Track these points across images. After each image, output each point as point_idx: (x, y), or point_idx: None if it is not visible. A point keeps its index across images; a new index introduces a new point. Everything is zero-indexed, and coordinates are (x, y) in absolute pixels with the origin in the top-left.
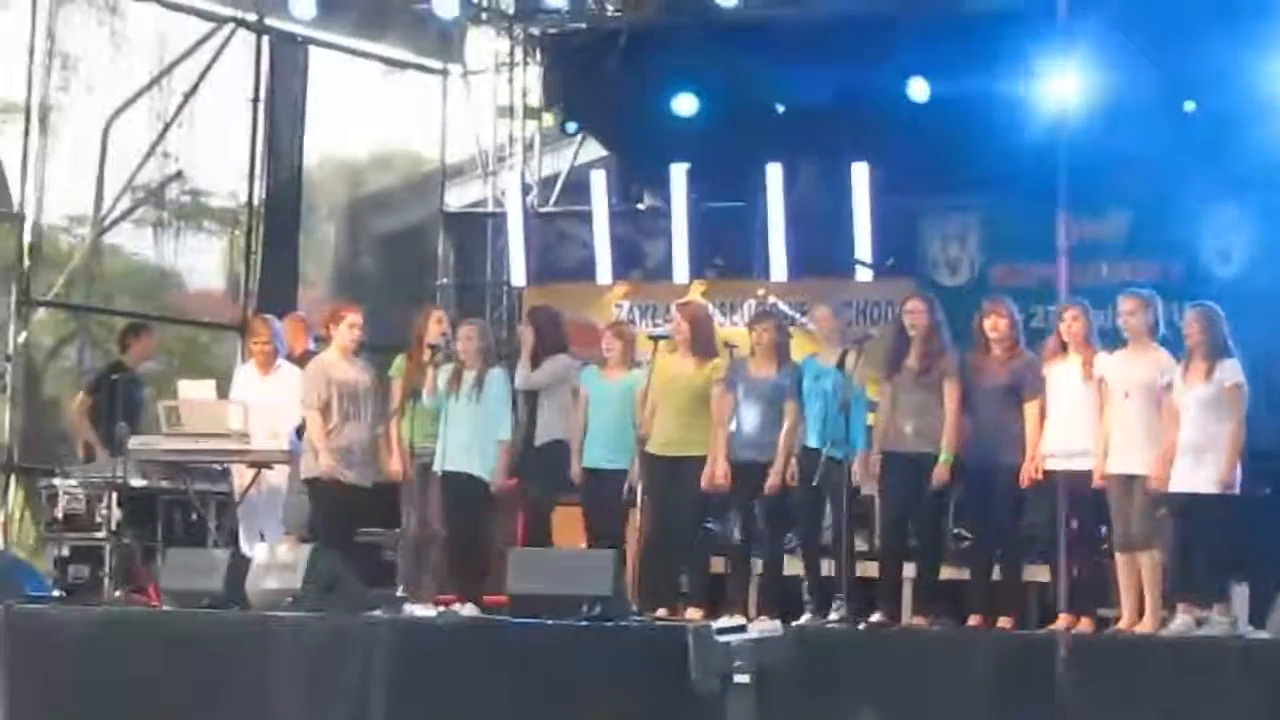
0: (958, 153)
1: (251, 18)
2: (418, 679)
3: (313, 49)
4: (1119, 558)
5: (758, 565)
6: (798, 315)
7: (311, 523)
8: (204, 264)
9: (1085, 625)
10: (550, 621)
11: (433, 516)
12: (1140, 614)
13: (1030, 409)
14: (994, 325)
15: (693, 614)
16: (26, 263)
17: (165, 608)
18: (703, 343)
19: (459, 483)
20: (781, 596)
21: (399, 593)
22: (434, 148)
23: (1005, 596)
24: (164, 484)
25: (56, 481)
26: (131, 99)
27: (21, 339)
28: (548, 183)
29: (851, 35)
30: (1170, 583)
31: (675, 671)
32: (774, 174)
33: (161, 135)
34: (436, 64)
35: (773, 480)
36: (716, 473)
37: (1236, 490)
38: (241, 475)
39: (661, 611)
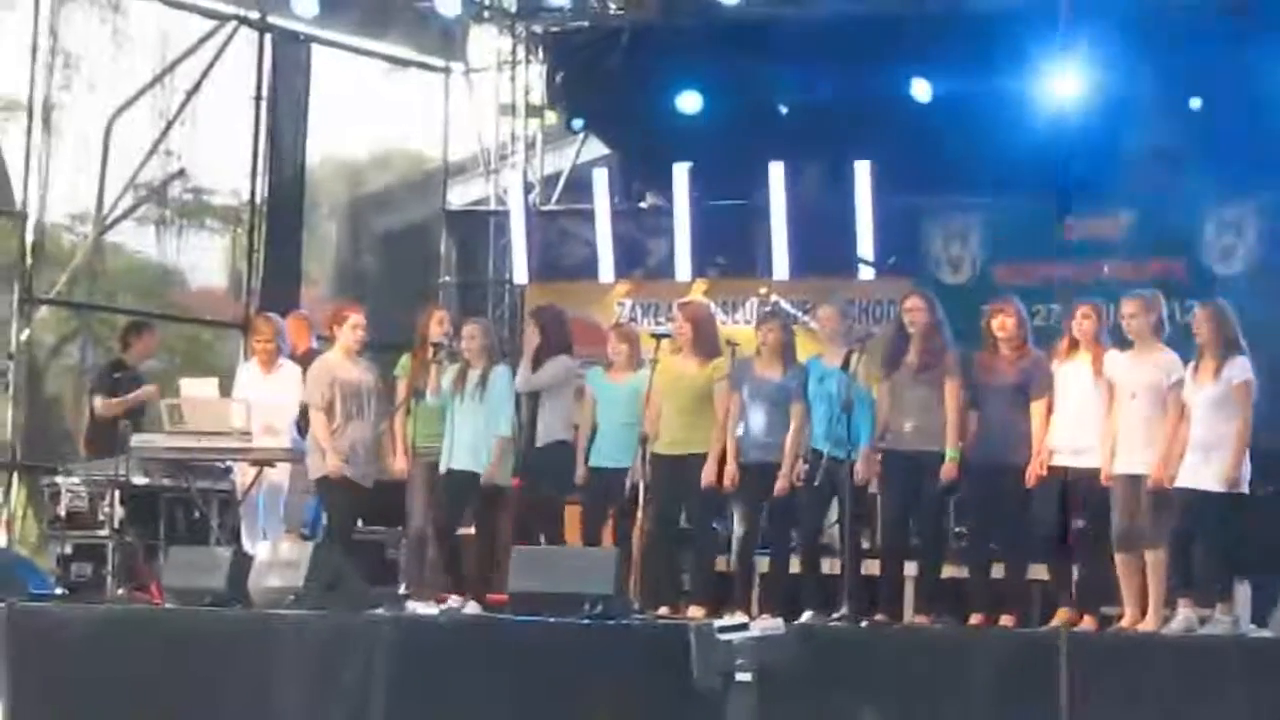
0: (960, 151)
1: (254, 16)
2: (419, 677)
3: (315, 47)
4: (1122, 556)
5: (763, 564)
6: (801, 314)
7: (317, 521)
8: (206, 262)
9: (1088, 623)
10: (552, 620)
11: (437, 515)
12: (1143, 612)
13: (1037, 408)
14: (1002, 324)
15: (695, 612)
16: (29, 261)
17: (168, 606)
18: (705, 342)
19: (463, 481)
20: (784, 595)
21: (401, 590)
22: (436, 146)
23: (1007, 594)
24: (166, 482)
25: (59, 479)
26: (134, 97)
27: (24, 337)
28: (550, 181)
29: (854, 34)
30: (1173, 581)
31: (677, 670)
32: (776, 172)
33: (164, 133)
34: (439, 62)
35: (781, 483)
36: (724, 471)
37: (1243, 488)
38: (244, 473)
39: (663, 610)
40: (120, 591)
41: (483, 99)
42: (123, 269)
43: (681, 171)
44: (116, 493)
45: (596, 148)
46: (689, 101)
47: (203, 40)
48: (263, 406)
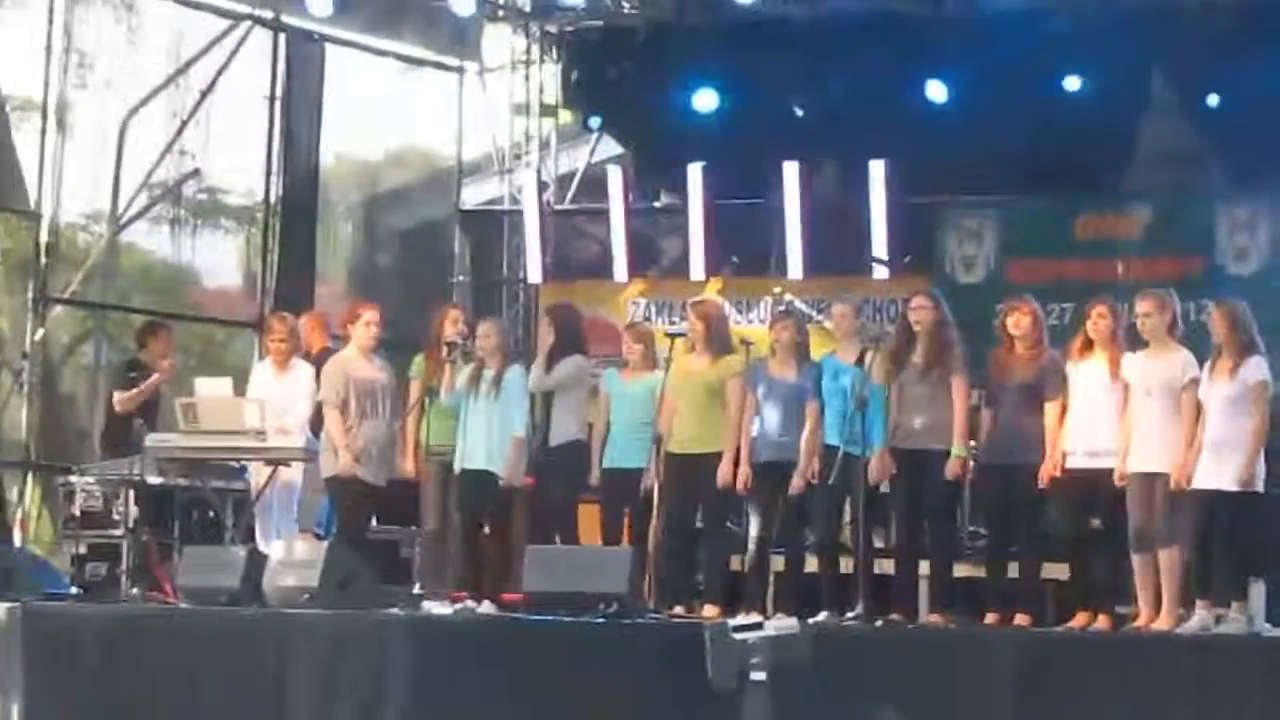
0: (974, 151)
1: (268, 15)
2: (434, 676)
3: (329, 46)
4: (1137, 556)
5: (778, 563)
6: (815, 314)
7: (331, 520)
8: (221, 261)
9: (1103, 623)
10: (567, 619)
11: (451, 514)
12: (1158, 611)
13: (1051, 408)
14: (1017, 323)
15: (709, 612)
16: (43, 260)
17: (182, 605)
18: (718, 340)
19: (478, 481)
20: (799, 594)
21: (416, 590)
22: (450, 145)
23: (1022, 594)
24: (181, 481)
25: (74, 478)
26: (148, 97)
27: (39, 336)
28: (564, 180)
29: (869, 34)
30: (1188, 580)
31: (692, 669)
32: (791, 172)
33: (178, 133)
34: (453, 61)
35: (797, 482)
36: (738, 470)
37: (1257, 487)
38: (258, 472)
39: (678, 609)
40: (135, 591)
41: (497, 98)
42: (137, 268)
43: (696, 170)
44: (131, 492)
45: (610, 147)
46: (703, 100)
47: (217, 40)
48: (277, 406)
